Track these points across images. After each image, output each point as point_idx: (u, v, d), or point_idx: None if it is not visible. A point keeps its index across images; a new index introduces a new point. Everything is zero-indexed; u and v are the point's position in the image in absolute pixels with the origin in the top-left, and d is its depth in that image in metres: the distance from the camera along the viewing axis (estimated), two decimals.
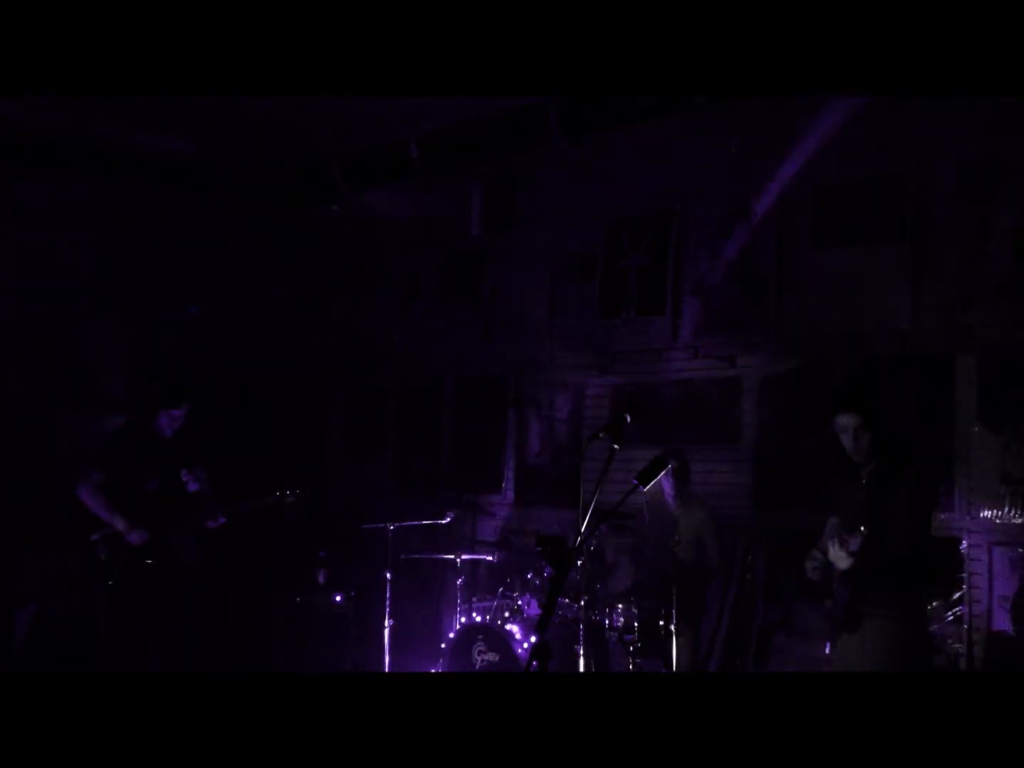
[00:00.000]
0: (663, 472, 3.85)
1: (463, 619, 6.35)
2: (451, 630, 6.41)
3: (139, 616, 5.55)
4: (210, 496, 5.86)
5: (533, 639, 5.39)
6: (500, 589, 6.35)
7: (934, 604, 5.21)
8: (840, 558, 3.88)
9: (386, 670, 6.33)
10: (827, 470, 4.37)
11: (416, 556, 7.05)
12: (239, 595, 7.54)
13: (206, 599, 6.16)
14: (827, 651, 4.17)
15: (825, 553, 4.12)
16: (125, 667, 5.46)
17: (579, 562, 5.45)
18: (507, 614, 6.15)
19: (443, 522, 6.75)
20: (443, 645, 6.40)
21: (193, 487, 5.76)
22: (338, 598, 7.39)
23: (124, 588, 5.55)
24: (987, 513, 5.35)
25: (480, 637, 6.05)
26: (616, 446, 3.84)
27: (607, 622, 5.76)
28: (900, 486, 3.95)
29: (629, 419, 4.00)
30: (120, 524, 5.52)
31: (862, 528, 3.77)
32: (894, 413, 4.32)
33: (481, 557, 6.65)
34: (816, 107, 5.78)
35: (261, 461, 8.51)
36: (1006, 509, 5.29)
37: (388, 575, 6.42)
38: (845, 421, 4.05)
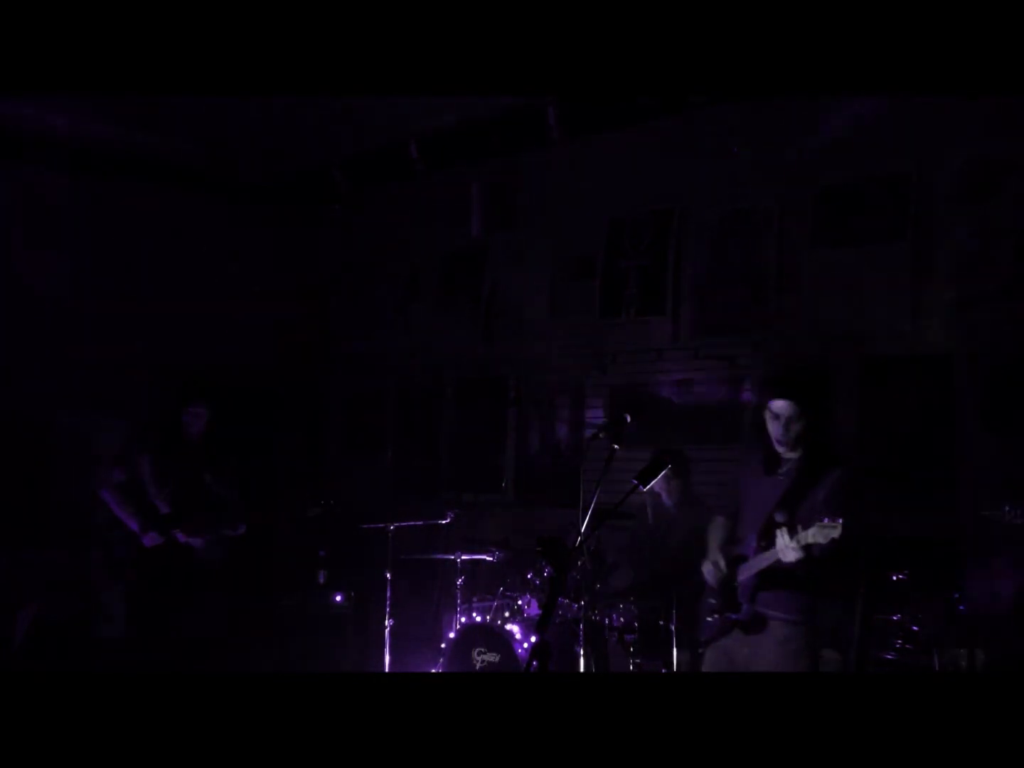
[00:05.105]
0: (663, 472, 3.85)
1: (463, 619, 6.34)
2: (451, 630, 6.39)
3: (154, 615, 5.55)
4: (236, 505, 5.83)
5: (533, 639, 5.38)
6: (500, 589, 6.34)
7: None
8: (789, 550, 3.70)
9: (386, 670, 6.33)
10: (746, 459, 4.30)
11: (416, 556, 7.04)
12: (238, 595, 7.53)
13: (221, 600, 6.16)
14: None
15: (718, 561, 4.11)
16: (139, 665, 5.45)
17: (579, 562, 5.45)
18: (507, 614, 6.14)
19: (443, 522, 6.74)
20: (443, 645, 6.39)
21: (218, 492, 5.75)
22: (338, 598, 7.39)
23: (139, 587, 5.57)
24: (987, 514, 5.34)
25: (480, 637, 6.05)
26: (616, 446, 3.84)
27: (607, 622, 5.76)
28: (818, 489, 3.88)
29: (629, 419, 4.00)
30: (135, 525, 5.53)
31: (839, 520, 3.53)
32: (825, 414, 4.26)
33: (481, 557, 6.63)
34: None
35: (260, 461, 8.50)
36: (1006, 509, 5.29)
37: (388, 575, 6.42)
38: (779, 408, 3.98)
